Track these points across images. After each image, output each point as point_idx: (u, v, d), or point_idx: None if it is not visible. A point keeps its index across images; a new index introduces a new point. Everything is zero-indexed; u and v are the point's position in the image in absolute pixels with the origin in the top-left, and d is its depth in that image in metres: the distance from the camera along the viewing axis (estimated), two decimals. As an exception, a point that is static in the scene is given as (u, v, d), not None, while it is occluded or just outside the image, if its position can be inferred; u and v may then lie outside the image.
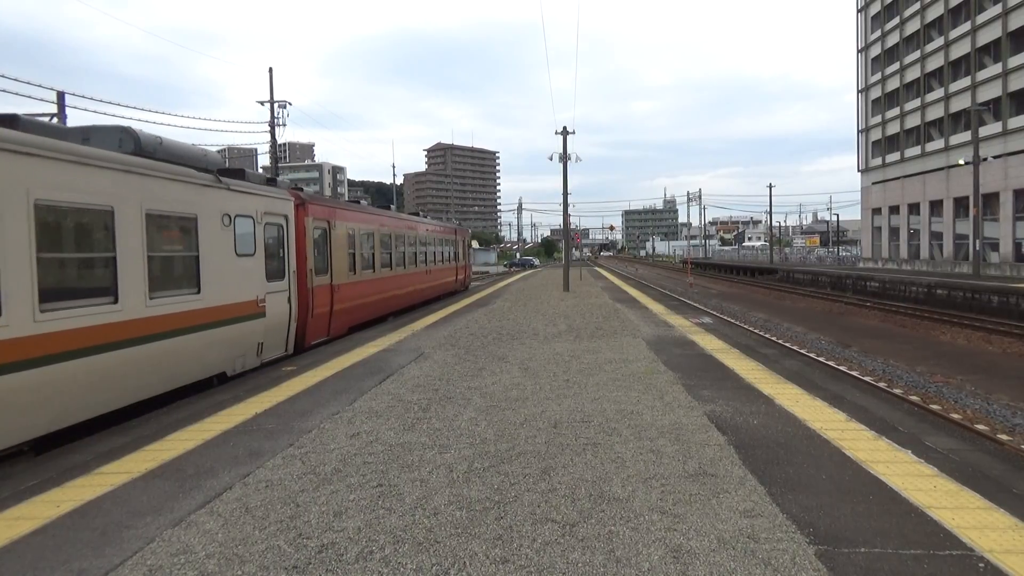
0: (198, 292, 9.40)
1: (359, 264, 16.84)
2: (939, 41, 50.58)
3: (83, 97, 21.82)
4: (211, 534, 4.41)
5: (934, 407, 11.25)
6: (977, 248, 37.14)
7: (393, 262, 20.23)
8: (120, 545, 4.28)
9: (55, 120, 20.24)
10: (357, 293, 16.59)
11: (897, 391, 12.49)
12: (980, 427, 10.14)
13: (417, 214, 29.07)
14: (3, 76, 21.33)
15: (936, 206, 50.02)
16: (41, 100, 21.19)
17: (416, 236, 23.53)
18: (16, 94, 32.87)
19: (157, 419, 7.84)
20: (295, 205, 13.08)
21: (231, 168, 11.51)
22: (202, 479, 5.53)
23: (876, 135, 60.65)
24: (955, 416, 10.73)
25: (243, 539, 4.32)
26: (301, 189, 15.43)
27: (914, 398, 11.96)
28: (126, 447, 6.56)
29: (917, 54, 53.46)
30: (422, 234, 24.57)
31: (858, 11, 64.03)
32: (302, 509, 4.80)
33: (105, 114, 30.86)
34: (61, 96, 21.99)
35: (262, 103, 37.17)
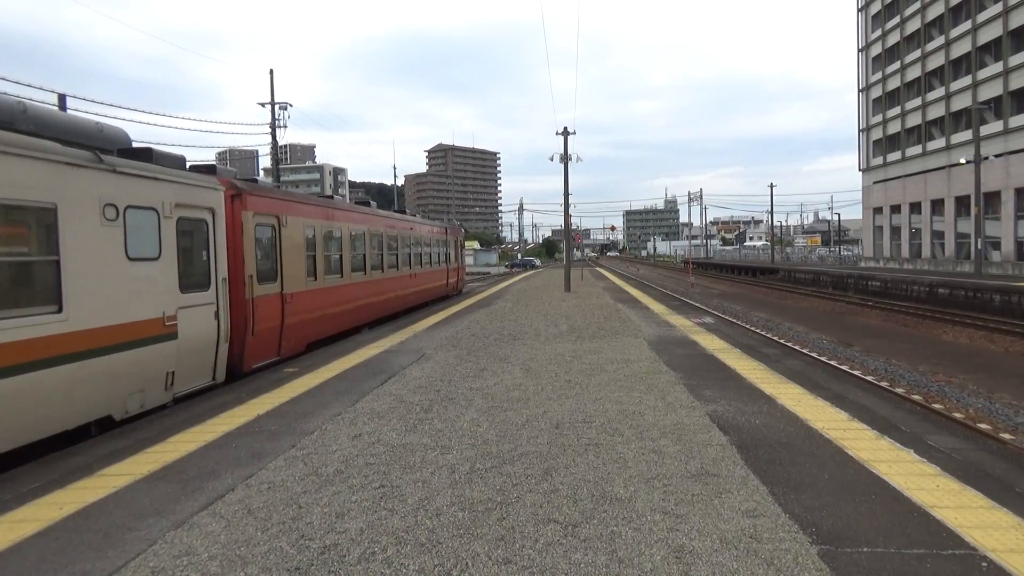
0: (58, 311, 6.87)
1: (322, 268, 14.45)
2: (940, 40, 50.53)
3: (84, 99, 21.81)
4: (213, 536, 4.42)
5: (936, 406, 11.23)
6: (979, 247, 37.09)
7: (368, 265, 17.88)
8: (123, 547, 4.29)
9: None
10: (319, 303, 14.18)
11: (899, 390, 12.48)
12: (982, 426, 10.12)
13: (404, 211, 26.84)
14: (4, 79, 21.37)
15: (937, 205, 49.97)
16: (43, 103, 21.22)
17: (398, 236, 21.07)
18: (18, 96, 32.86)
19: (159, 421, 7.84)
20: (228, 196, 10.61)
21: (136, 148, 9.16)
22: (204, 481, 5.53)
23: (877, 134, 60.60)
24: (957, 415, 10.72)
25: (245, 540, 4.33)
26: (255, 180, 12.95)
27: (916, 397, 11.94)
28: (128, 449, 6.57)
29: (918, 53, 53.42)
30: (405, 233, 22.07)
31: (858, 10, 63.98)
32: (304, 510, 4.81)
33: (107, 116, 30.87)
34: (62, 98, 22.00)
35: (263, 105, 37.23)
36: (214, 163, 12.37)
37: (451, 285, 30.53)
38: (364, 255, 17.65)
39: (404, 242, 21.78)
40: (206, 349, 9.62)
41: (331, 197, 19.47)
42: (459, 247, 33.20)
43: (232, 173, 12.09)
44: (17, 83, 20.71)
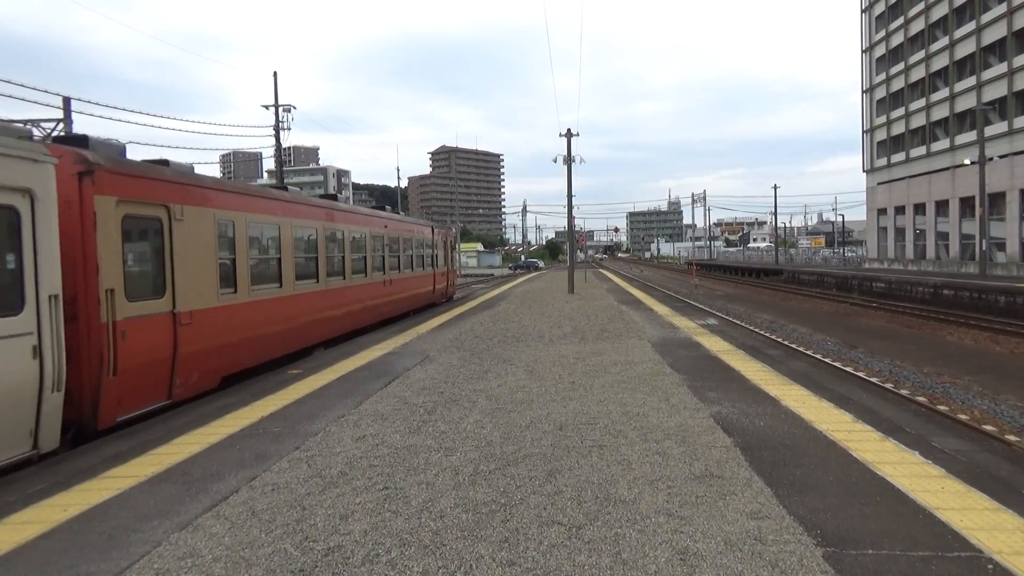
0: None
1: (245, 276, 11.01)
2: (944, 41, 50.47)
3: (89, 102, 21.85)
4: (218, 538, 4.42)
5: (941, 408, 11.20)
6: (983, 248, 36.99)
7: (322, 271, 14.35)
8: (127, 549, 4.29)
9: (61, 127, 20.29)
10: (242, 322, 10.84)
11: (904, 392, 12.44)
12: (988, 428, 10.09)
13: (384, 208, 22.58)
14: (9, 82, 21.45)
15: (942, 206, 49.87)
16: (47, 106, 21.33)
17: (366, 235, 17.64)
18: (22, 99, 33.02)
19: (163, 423, 7.85)
20: (70, 173, 7.47)
21: None
22: (208, 483, 5.53)
23: (881, 135, 60.52)
24: (962, 417, 10.68)
25: (250, 542, 4.33)
26: (166, 163, 9.82)
27: (921, 399, 11.91)
28: (132, 451, 6.57)
29: (922, 54, 53.34)
30: (377, 232, 18.55)
31: (862, 11, 63.93)
32: (308, 512, 4.81)
33: (111, 119, 31.04)
34: (67, 101, 22.11)
35: (267, 107, 37.30)
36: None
37: (439, 291, 26.90)
38: (317, 259, 14.20)
39: (376, 243, 18.52)
40: (13, 405, 6.25)
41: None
42: (450, 248, 29.81)
43: (110, 148, 8.81)
44: (22, 86, 20.77)
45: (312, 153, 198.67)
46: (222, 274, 10.38)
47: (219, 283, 10.27)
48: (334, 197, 18.41)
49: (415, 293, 22.99)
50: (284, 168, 40.57)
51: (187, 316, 9.34)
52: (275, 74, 37.22)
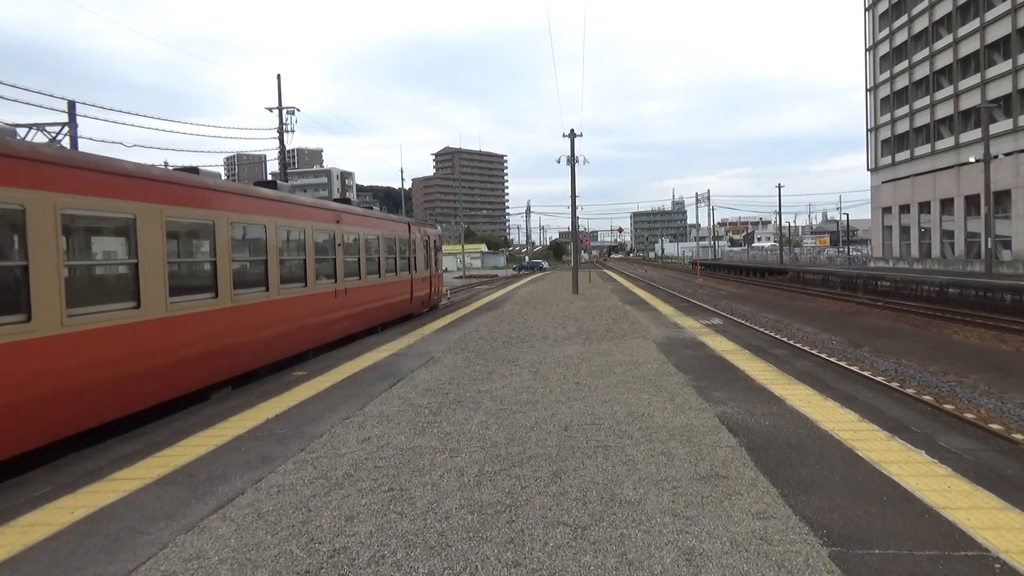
0: None
1: (52, 296, 6.95)
2: (948, 39, 50.32)
3: (94, 106, 21.96)
4: (224, 539, 4.43)
5: (947, 407, 11.16)
6: (989, 246, 36.87)
7: (221, 281, 10.17)
8: (133, 551, 4.31)
9: (66, 130, 20.37)
10: (49, 369, 6.92)
11: (910, 391, 12.40)
12: (994, 426, 10.05)
13: (349, 202, 18.36)
14: (14, 86, 21.56)
15: (947, 204, 49.72)
16: (52, 109, 21.42)
17: (306, 232, 13.42)
18: (27, 103, 33.23)
19: (169, 425, 7.88)
20: None
21: None
22: (214, 484, 5.55)
23: (885, 134, 60.36)
24: (969, 415, 10.64)
25: (256, 544, 4.34)
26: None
27: (927, 398, 11.87)
28: (139, 453, 6.60)
29: (926, 52, 53.20)
30: (323, 227, 14.40)
31: (865, 9, 63.78)
32: (314, 514, 4.81)
33: (116, 123, 31.10)
34: (72, 105, 22.18)
35: (271, 110, 37.37)
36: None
37: (418, 300, 22.66)
38: (214, 264, 10.11)
39: (326, 243, 14.59)
40: None
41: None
42: (433, 249, 25.23)
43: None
44: (27, 90, 20.86)
45: (316, 155, 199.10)
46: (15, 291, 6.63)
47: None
48: (272, 184, 13.64)
49: (384, 304, 18.74)
50: (288, 171, 40.68)
51: None
52: (279, 77, 37.32)
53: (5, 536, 4.61)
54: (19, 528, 4.76)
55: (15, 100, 28.54)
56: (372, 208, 22.92)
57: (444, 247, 37.00)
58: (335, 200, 18.73)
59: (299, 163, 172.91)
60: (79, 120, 22.20)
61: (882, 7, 60.91)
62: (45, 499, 5.35)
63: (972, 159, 41.50)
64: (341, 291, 15.18)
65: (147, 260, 8.52)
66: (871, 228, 67.23)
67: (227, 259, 10.37)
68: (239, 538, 4.44)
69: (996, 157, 40.09)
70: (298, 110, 38.25)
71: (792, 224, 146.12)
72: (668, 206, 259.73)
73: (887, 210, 59.70)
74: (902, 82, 57.46)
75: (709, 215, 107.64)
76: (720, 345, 12.91)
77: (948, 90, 50.43)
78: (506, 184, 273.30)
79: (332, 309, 14.73)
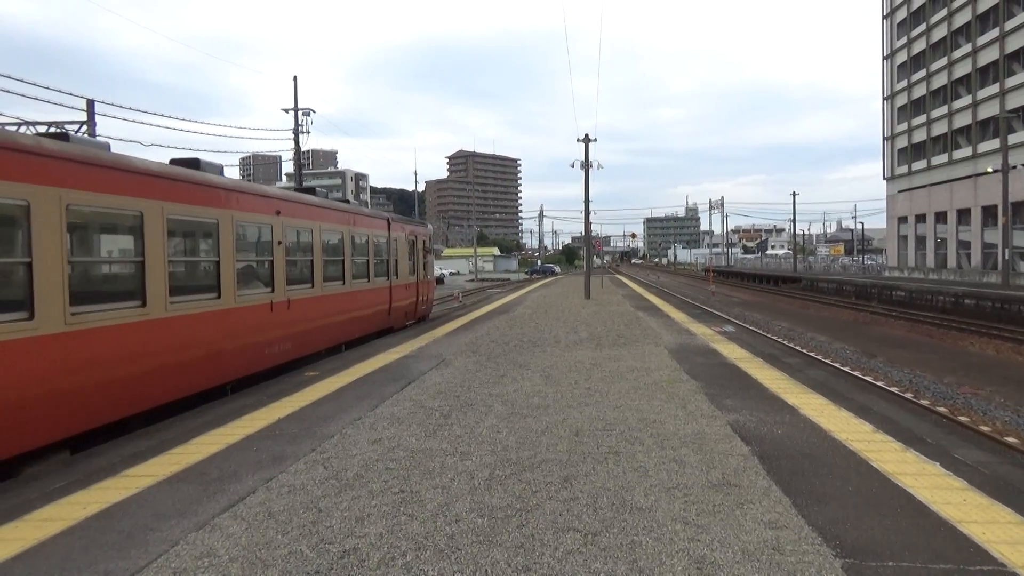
0: None
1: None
2: (967, 48, 49.90)
3: (113, 105, 22.13)
4: (234, 538, 4.44)
5: (963, 419, 11.05)
6: (1006, 257, 36.49)
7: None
8: (145, 547, 4.33)
9: (84, 128, 20.56)
10: None
11: (924, 402, 12.29)
12: (1010, 440, 9.94)
13: (314, 191, 14.91)
14: (34, 84, 21.81)
15: (964, 214, 49.25)
16: (72, 108, 21.65)
17: (220, 223, 9.92)
18: (48, 102, 33.55)
19: (182, 423, 7.92)
20: None
21: None
22: (226, 483, 5.57)
23: (902, 143, 59.92)
24: (984, 428, 10.53)
25: (266, 543, 4.35)
26: None
27: (942, 410, 11.75)
28: (151, 450, 6.63)
29: (944, 60, 52.78)
30: (260, 219, 11.26)
31: (883, 18, 63.41)
32: (324, 514, 4.82)
33: (134, 122, 31.42)
34: (91, 104, 22.41)
35: (287, 111, 37.59)
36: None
37: (400, 310, 19.02)
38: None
39: (262, 241, 11.51)
40: None
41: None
42: (422, 251, 21.48)
43: None
44: (48, 88, 21.08)
45: (331, 157, 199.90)
46: None
47: None
48: (188, 164, 10.07)
49: (350, 317, 15.16)
50: (303, 172, 40.89)
51: None
52: (295, 78, 37.54)
53: (20, 530, 4.65)
54: (33, 523, 4.80)
55: (36, 98, 28.80)
56: (349, 202, 19.19)
57: (457, 250, 36.05)
58: (297, 190, 15.96)
59: (314, 164, 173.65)
60: (98, 119, 22.42)
61: (900, 16, 60.50)
62: (59, 494, 5.39)
63: (990, 169, 41.08)
64: (281, 303, 11.70)
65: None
66: (886, 237, 66.69)
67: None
68: (250, 537, 4.45)
69: (1015, 167, 39.68)
70: (314, 112, 38.48)
71: (806, 232, 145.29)
72: (682, 212, 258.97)
73: (903, 219, 59.22)
74: (919, 91, 57.02)
75: (723, 222, 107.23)
76: (732, 352, 12.84)
77: (966, 99, 49.99)
78: (519, 188, 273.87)
79: (276, 325, 11.52)
